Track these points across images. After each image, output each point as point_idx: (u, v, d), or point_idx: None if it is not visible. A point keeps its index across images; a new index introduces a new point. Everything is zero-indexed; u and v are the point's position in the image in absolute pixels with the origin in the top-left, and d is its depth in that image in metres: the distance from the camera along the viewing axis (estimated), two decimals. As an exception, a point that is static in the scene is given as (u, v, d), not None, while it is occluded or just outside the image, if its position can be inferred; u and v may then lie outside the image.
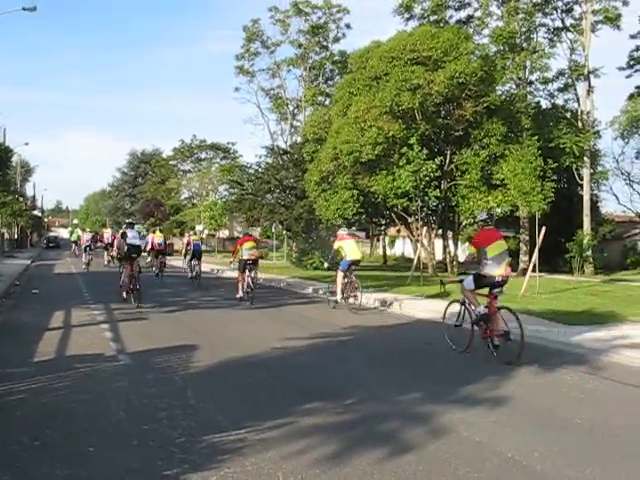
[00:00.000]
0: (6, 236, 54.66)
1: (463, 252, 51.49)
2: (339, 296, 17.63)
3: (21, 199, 66.77)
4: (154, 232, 31.41)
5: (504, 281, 10.73)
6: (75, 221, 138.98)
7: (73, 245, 49.48)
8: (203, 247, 27.64)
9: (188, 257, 26.56)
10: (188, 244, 26.87)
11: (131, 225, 18.80)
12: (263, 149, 49.45)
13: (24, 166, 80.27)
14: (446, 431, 6.37)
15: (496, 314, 10.59)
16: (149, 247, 29.42)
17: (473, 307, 11.01)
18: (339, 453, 5.66)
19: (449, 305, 12.16)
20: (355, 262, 17.71)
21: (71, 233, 66.51)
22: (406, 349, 11.63)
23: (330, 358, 10.45)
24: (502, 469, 5.38)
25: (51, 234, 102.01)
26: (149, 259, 31.21)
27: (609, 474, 5.34)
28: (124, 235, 17.82)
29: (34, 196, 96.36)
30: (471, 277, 10.88)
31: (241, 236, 20.75)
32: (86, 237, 36.84)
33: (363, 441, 6.01)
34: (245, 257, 18.51)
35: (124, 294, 17.80)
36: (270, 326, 14.05)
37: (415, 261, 26.88)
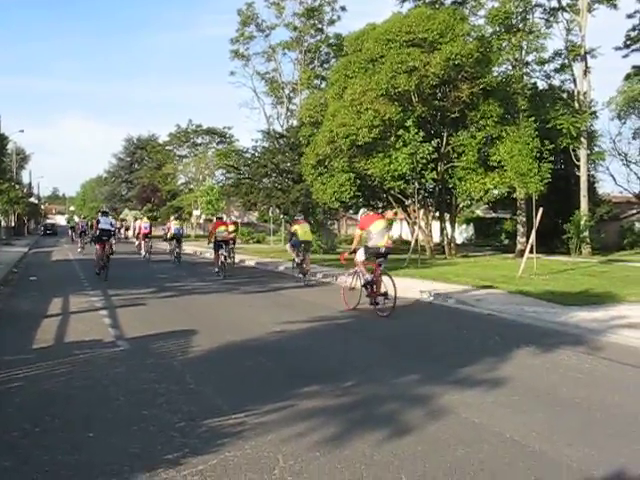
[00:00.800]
0: (3, 224, 54.59)
1: (460, 234, 51.61)
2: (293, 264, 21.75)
3: (17, 187, 66.71)
4: (141, 219, 36.72)
5: (387, 252, 13.84)
6: (72, 208, 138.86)
7: (70, 231, 51.16)
8: (192, 232, 30.70)
9: (171, 241, 30.61)
10: (169, 229, 31.20)
11: (105, 213, 22.11)
12: (259, 133, 49.53)
13: (20, 153, 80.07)
14: (445, 412, 6.39)
15: (379, 279, 13.63)
16: (137, 232, 34.76)
17: (362, 274, 14.01)
18: (339, 435, 5.67)
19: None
20: (305, 242, 20.78)
21: (68, 220, 66.24)
22: (403, 331, 11.64)
23: (328, 341, 10.48)
24: (501, 449, 5.41)
25: (48, 221, 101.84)
26: (137, 242, 35.67)
27: (607, 452, 5.37)
28: (98, 221, 21.35)
29: (30, 183, 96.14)
30: (362, 249, 13.85)
31: (214, 221, 26.44)
32: (81, 223, 40.41)
33: (362, 423, 6.03)
34: (218, 238, 23.04)
35: (97, 269, 21.06)
36: (268, 310, 14.06)
37: (412, 243, 26.91)
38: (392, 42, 30.86)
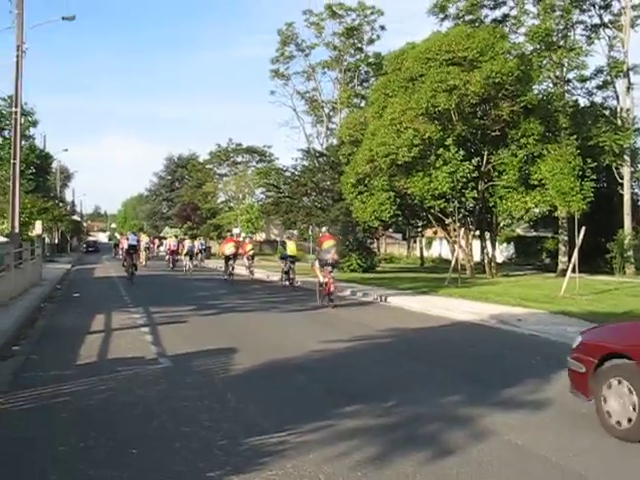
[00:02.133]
0: (47, 241, 55.44)
1: (501, 253, 51.11)
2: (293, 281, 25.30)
3: (61, 204, 67.86)
4: (172, 237, 45.19)
5: (333, 262, 18.99)
6: (113, 225, 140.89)
7: (115, 248, 53.19)
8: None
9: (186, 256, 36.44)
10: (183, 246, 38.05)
11: (133, 233, 32.44)
12: (299, 152, 49.71)
13: (63, 172, 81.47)
14: (488, 434, 6.32)
15: (329, 281, 18.48)
16: (168, 249, 40.74)
17: (319, 278, 19.03)
18: (380, 456, 5.65)
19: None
20: (292, 257, 25.26)
21: (110, 237, 67.30)
22: (446, 351, 11.56)
23: (368, 360, 10.44)
24: (545, 473, 5.33)
25: (90, 238, 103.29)
26: (166, 258, 41.24)
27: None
28: (127, 238, 30.20)
29: (73, 201, 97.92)
30: (317, 261, 19.38)
31: (227, 237, 36.57)
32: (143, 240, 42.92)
33: (404, 443, 5.99)
34: (227, 253, 29.25)
35: (126, 273, 27.81)
36: (308, 328, 14.07)
37: (453, 262, 26.73)
38: (432, 61, 30.87)
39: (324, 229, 21.96)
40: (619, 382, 6.26)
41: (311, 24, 56.85)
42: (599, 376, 6.53)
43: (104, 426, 6.51)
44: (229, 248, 29.35)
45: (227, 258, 28.91)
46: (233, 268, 28.99)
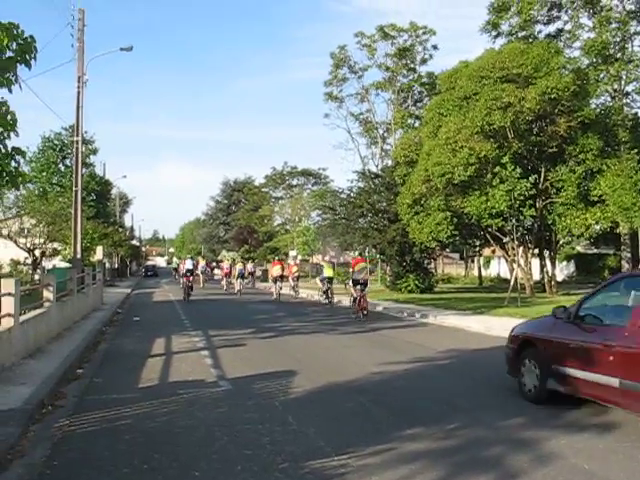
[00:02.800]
0: (107, 266, 56.55)
1: (561, 271, 50.17)
2: (332, 299, 28.10)
3: (120, 230, 69.24)
4: (228, 260, 51.33)
5: (364, 282, 22.12)
6: (171, 250, 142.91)
7: (173, 272, 55.33)
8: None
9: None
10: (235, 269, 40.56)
11: (191, 257, 37.01)
12: (354, 173, 49.88)
13: (122, 198, 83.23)
14: (553, 457, 6.20)
15: (361, 298, 21.64)
16: (223, 272, 44.80)
17: (353, 295, 22.46)
18: (444, 479, 5.57)
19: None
20: (329, 278, 28.03)
21: (169, 262, 68.45)
22: (505, 373, 11.36)
23: (428, 382, 10.35)
24: (615, 497, 5.19)
25: (149, 263, 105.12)
26: (222, 280, 44.87)
27: None
28: (185, 262, 34.78)
29: (132, 226, 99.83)
30: (351, 281, 22.44)
31: (274, 260, 43.94)
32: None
33: (467, 467, 5.92)
34: (275, 275, 33.77)
35: (184, 295, 31.33)
36: (366, 350, 14.02)
37: (512, 282, 26.36)
38: (486, 79, 30.65)
39: (356, 253, 26.97)
40: (529, 361, 9.14)
41: (363, 46, 57.12)
42: (519, 359, 9.45)
43: (167, 448, 6.59)
44: (276, 270, 34.03)
45: (274, 280, 33.69)
46: (281, 288, 33.42)
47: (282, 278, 34.03)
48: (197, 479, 5.71)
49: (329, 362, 12.40)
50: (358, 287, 21.77)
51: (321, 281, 28.87)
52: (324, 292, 28.15)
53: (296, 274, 34.54)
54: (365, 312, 21.46)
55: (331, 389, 9.59)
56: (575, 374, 8.12)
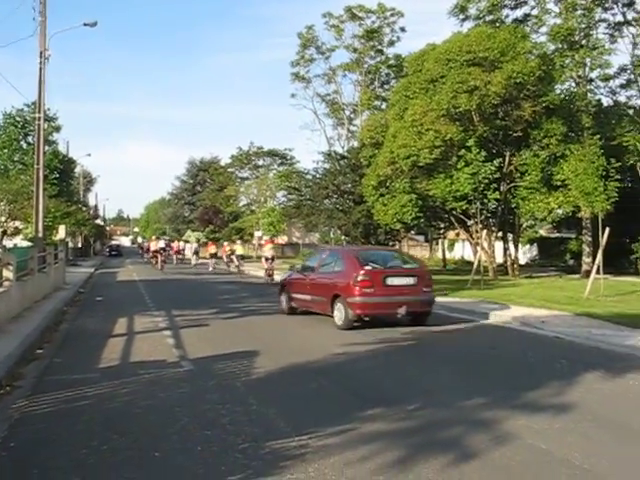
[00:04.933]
0: (70, 245, 55.81)
1: (524, 254, 50.76)
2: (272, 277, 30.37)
3: (84, 209, 68.37)
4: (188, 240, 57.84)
5: (272, 257, 30.69)
6: (136, 229, 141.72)
7: (140, 251, 57.76)
8: (254, 253, 38.17)
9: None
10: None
11: (158, 237, 49.96)
12: (320, 155, 49.68)
13: (86, 177, 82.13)
14: (510, 437, 6.27)
15: (270, 270, 30.26)
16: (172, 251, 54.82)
17: (264, 266, 30.75)
18: (402, 460, 5.62)
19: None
20: (268, 257, 31.03)
21: (133, 241, 68.16)
22: (467, 353, 11.49)
23: (390, 363, 10.41)
24: (569, 478, 5.27)
25: (113, 242, 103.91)
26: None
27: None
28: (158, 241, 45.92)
29: (96, 205, 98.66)
30: (263, 258, 30.83)
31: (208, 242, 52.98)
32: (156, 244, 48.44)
33: (426, 447, 5.96)
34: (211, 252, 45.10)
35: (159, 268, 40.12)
36: (329, 332, 14.03)
37: (475, 264, 26.58)
38: (452, 62, 30.71)
39: (265, 237, 33.53)
40: (284, 293, 17.45)
41: (331, 27, 56.94)
42: (281, 292, 17.60)
43: (126, 429, 6.54)
44: (212, 250, 45.37)
45: (210, 257, 44.88)
46: (214, 266, 43.04)
47: (215, 256, 44.78)
48: (157, 460, 5.68)
49: (292, 343, 12.42)
50: (268, 261, 30.35)
51: (266, 260, 31.33)
52: (266, 270, 31.01)
53: (268, 254, 33.85)
54: (272, 279, 29.14)
55: (293, 370, 9.59)
56: (299, 297, 16.52)
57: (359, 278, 14.05)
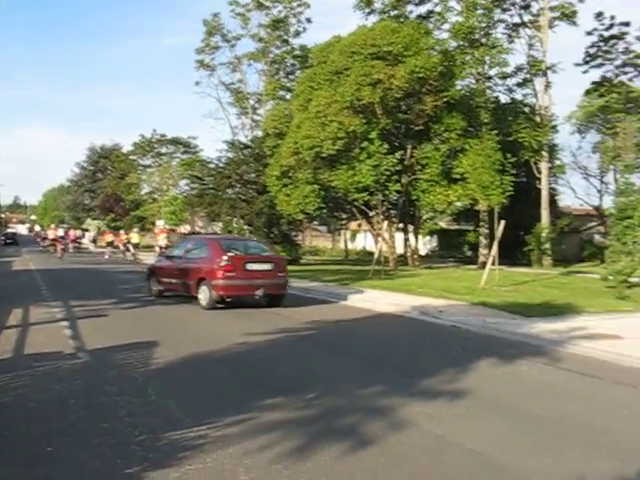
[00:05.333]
0: (-39, 233, 53.54)
1: (424, 246, 51.91)
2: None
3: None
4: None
5: (166, 246, 30.66)
6: (33, 217, 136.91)
7: (37, 239, 56.77)
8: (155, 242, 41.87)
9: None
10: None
11: (60, 222, 48.95)
12: (224, 143, 49.13)
13: (-20, 162, 78.71)
14: (407, 424, 6.41)
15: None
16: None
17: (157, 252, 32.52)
18: (301, 448, 5.66)
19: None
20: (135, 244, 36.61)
21: (30, 229, 66.00)
22: (367, 342, 11.69)
23: (291, 353, 10.46)
24: (463, 461, 5.44)
25: (9, 230, 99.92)
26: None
27: (565, 463, 5.44)
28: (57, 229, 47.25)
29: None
30: (158, 247, 31.72)
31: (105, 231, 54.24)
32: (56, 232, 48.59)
33: (325, 435, 6.02)
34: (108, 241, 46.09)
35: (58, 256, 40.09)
36: (232, 322, 13.99)
37: (376, 255, 27.01)
38: (357, 55, 31.00)
39: (163, 227, 33.67)
40: (152, 277, 18.99)
41: (237, 15, 56.28)
42: (150, 276, 19.18)
43: (19, 423, 6.33)
44: (109, 238, 47.47)
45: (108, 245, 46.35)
46: (111, 255, 44.41)
47: (112, 244, 46.87)
48: (50, 454, 5.51)
49: (193, 333, 12.30)
50: (162, 250, 31.20)
51: (160, 249, 33.24)
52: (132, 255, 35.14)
53: (162, 243, 35.86)
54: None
55: (193, 360, 9.50)
56: (167, 280, 18.04)
57: (222, 263, 15.73)
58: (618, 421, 6.83)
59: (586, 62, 45.43)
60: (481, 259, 35.25)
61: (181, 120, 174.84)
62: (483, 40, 37.37)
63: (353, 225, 54.11)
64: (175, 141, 76.02)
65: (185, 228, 66.49)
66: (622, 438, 6.21)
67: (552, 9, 38.90)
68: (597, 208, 48.90)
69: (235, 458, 5.37)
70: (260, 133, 49.82)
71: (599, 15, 43.79)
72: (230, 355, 9.95)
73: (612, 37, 44.49)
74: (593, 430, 6.45)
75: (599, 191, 50.28)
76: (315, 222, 50.15)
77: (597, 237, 47.94)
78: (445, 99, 31.13)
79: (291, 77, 56.78)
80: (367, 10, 40.98)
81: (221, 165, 43.28)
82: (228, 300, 16.09)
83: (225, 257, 15.85)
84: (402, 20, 37.57)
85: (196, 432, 6.02)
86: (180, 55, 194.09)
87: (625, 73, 46.34)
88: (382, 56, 30.56)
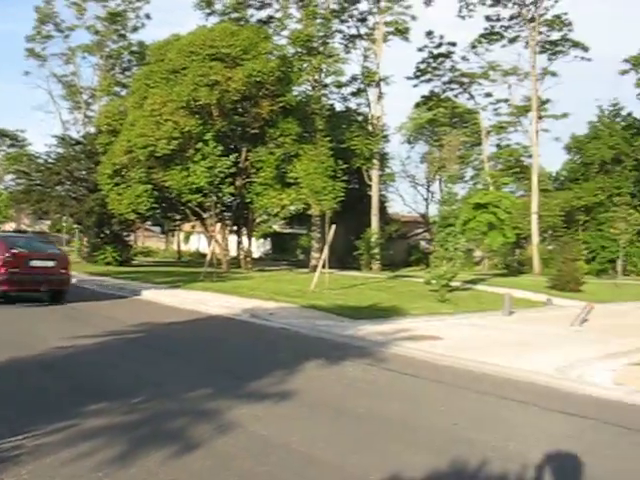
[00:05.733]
0: None
1: (258, 249, 52.23)
2: None
3: None
4: None
5: None
6: None
7: None
8: None
9: None
10: None
11: None
12: (54, 138, 46.91)
13: None
14: (234, 426, 6.43)
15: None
16: None
17: None
18: (125, 454, 5.53)
19: None
20: None
21: None
22: (196, 345, 11.60)
23: (119, 356, 10.18)
24: (288, 460, 5.53)
25: None
26: None
27: (386, 458, 5.67)
28: None
29: None
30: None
31: None
32: None
33: (150, 440, 5.92)
34: None
35: None
36: (55, 323, 13.44)
37: (209, 257, 26.86)
38: (195, 55, 30.71)
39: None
40: None
41: (72, 4, 53.95)
42: None
43: None
44: None
45: None
46: None
47: None
48: None
49: (13, 336, 11.65)
50: None
51: None
52: None
53: None
54: None
55: (11, 366, 8.98)
56: None
57: (6, 260, 15.92)
58: (435, 417, 7.22)
59: (417, 77, 47.86)
60: (313, 262, 35.92)
61: (8, 111, 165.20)
62: (321, 49, 38.22)
63: (187, 226, 53.49)
64: (1, 133, 71.89)
65: (10, 226, 63.07)
66: (437, 433, 6.57)
67: (387, 24, 40.62)
68: (423, 215, 51.53)
69: (52, 468, 5.14)
70: (93, 129, 48.10)
71: (429, 33, 46.29)
72: (54, 359, 9.53)
73: (440, 55, 47.11)
74: (412, 426, 6.77)
75: (425, 199, 53.19)
76: (148, 222, 49.03)
77: (423, 243, 50.45)
78: (281, 104, 31.50)
79: (127, 73, 55.28)
80: (208, 11, 40.82)
81: (50, 161, 41.38)
82: (12, 295, 16.26)
83: (8, 254, 16.05)
84: (242, 23, 37.68)
85: (12, 443, 5.69)
86: (9, 42, 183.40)
87: (452, 89, 49.39)
88: (220, 58, 30.47)
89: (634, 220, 36.31)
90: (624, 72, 42.30)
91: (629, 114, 47.60)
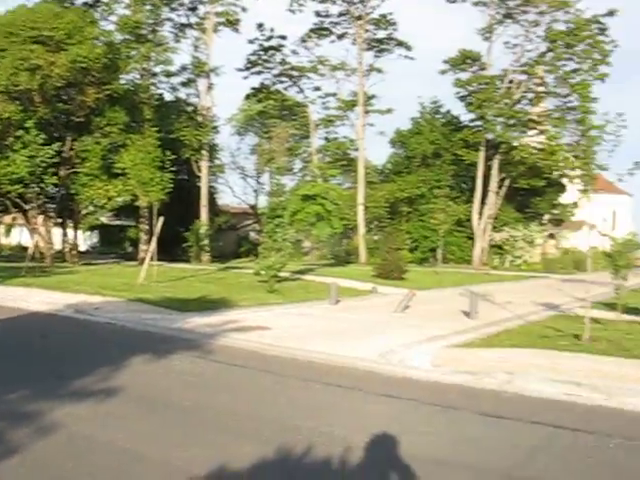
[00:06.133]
0: None
1: (84, 241, 50.47)
2: None
3: None
4: None
5: None
6: None
7: None
8: None
9: None
10: None
11: None
12: None
13: None
14: (55, 427, 6.24)
15: None
16: None
17: None
18: None
19: None
20: None
21: None
22: (15, 344, 11.11)
23: None
24: (111, 458, 5.47)
25: None
26: None
27: (213, 450, 5.74)
28: None
29: None
30: None
31: None
32: None
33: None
34: None
35: None
36: None
37: (30, 251, 25.68)
38: (15, 36, 29.07)
39: None
40: None
41: None
42: None
43: None
44: None
45: None
46: None
47: None
48: None
49: None
50: None
51: None
52: None
53: None
54: None
55: None
56: None
57: None
58: (262, 407, 7.38)
59: (247, 68, 48.15)
60: (141, 255, 35.19)
61: None
62: (150, 36, 37.38)
63: (7, 219, 50.66)
64: None
65: None
66: (265, 422, 6.72)
67: (217, 14, 40.46)
68: (253, 207, 51.94)
69: None
70: None
71: (260, 26, 46.64)
72: None
73: (271, 48, 47.64)
74: (241, 417, 6.91)
75: (255, 191, 53.57)
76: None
77: (252, 234, 50.84)
78: (108, 92, 30.63)
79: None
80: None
81: None
82: None
83: None
84: (67, 5, 36.00)
85: None
86: None
87: (282, 82, 50.11)
88: (43, 41, 29.07)
89: (452, 211, 38.79)
90: (443, 72, 44.55)
91: (448, 111, 50.41)
